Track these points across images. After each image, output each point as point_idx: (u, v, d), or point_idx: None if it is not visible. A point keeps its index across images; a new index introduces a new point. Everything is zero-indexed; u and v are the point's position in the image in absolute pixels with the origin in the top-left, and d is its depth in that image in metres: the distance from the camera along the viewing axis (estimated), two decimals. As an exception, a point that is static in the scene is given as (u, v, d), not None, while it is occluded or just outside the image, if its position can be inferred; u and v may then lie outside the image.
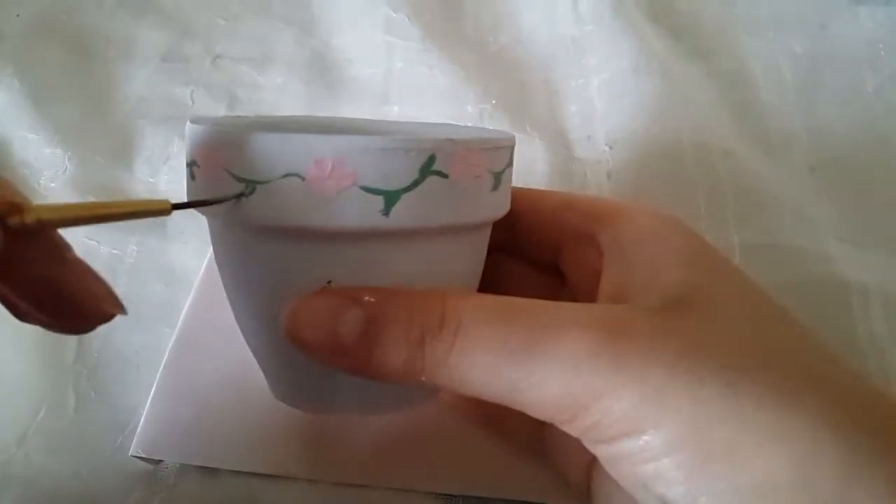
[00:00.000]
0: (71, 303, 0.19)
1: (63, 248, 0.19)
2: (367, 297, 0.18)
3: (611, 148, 0.37)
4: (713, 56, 0.41)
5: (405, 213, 0.18)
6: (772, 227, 0.34)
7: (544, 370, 0.17)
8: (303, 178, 0.17)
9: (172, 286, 0.33)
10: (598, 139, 0.38)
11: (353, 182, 0.18)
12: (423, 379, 0.18)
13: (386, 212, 0.18)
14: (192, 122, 0.20)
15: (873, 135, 0.38)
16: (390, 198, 0.18)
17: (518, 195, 0.23)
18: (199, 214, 0.21)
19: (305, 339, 0.19)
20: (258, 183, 0.18)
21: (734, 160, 0.36)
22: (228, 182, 0.18)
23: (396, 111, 0.40)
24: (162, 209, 0.17)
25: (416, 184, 0.18)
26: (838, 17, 0.42)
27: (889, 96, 0.39)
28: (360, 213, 0.18)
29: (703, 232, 0.33)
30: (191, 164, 0.20)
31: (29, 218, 0.16)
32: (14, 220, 0.16)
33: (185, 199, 0.21)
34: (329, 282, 0.19)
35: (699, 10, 0.43)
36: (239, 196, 0.18)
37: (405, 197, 0.18)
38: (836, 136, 0.38)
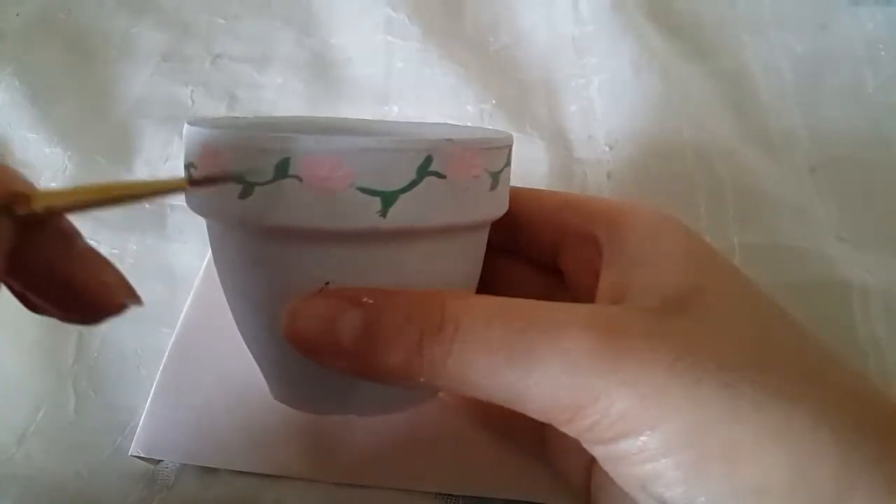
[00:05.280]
0: (82, 294, 0.17)
1: (72, 235, 0.18)
2: (365, 299, 0.18)
3: (611, 148, 0.37)
4: (713, 56, 0.41)
5: (403, 214, 0.18)
6: (772, 227, 0.34)
7: (542, 371, 0.17)
8: (300, 180, 0.17)
9: (172, 286, 0.33)
10: (598, 139, 0.38)
11: (350, 183, 0.17)
12: (422, 380, 0.18)
13: (383, 213, 0.18)
14: (190, 123, 0.20)
15: (873, 135, 0.38)
16: (387, 198, 0.18)
17: (517, 195, 0.23)
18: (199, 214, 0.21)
19: (304, 340, 0.19)
20: (256, 184, 0.18)
21: (734, 160, 0.36)
22: (227, 184, 0.18)
23: (396, 111, 0.40)
24: (179, 186, 0.17)
25: (413, 184, 0.18)
26: (838, 17, 0.42)
27: (889, 96, 0.39)
28: (358, 213, 0.18)
29: (703, 232, 0.34)
30: (188, 166, 0.20)
31: (37, 206, 0.15)
32: (21, 210, 0.15)
33: (187, 194, 0.21)
34: (327, 283, 0.19)
35: (699, 10, 0.43)
36: (247, 182, 0.18)
37: (402, 198, 0.18)
38: (836, 136, 0.38)
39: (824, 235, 0.34)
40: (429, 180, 0.18)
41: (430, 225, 0.19)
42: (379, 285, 0.19)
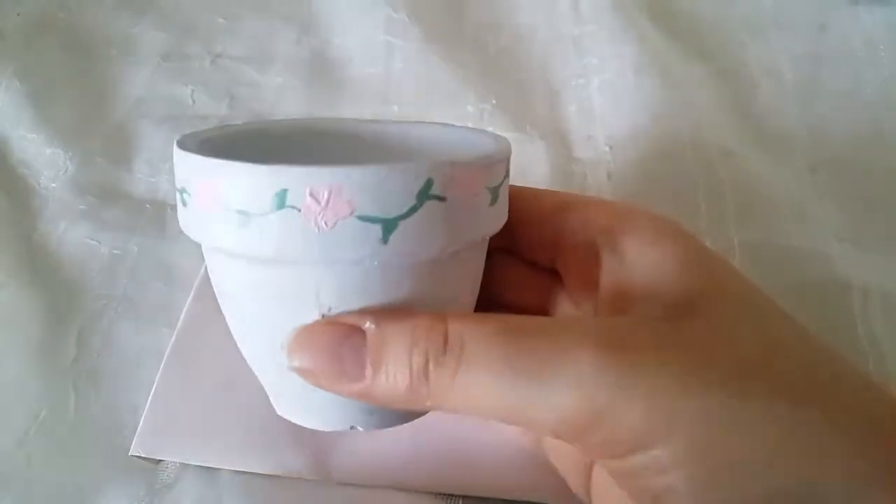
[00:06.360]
0: None
1: None
2: (368, 324, 0.18)
3: (611, 148, 0.37)
4: (713, 56, 0.41)
5: (403, 239, 0.18)
6: (772, 227, 0.34)
7: (551, 390, 0.17)
8: (299, 210, 0.17)
9: (172, 286, 0.33)
10: (598, 139, 0.38)
11: (350, 212, 0.17)
12: (428, 404, 0.18)
13: (385, 239, 0.18)
14: (180, 145, 0.19)
15: (873, 135, 0.38)
16: (388, 225, 0.17)
17: (516, 194, 0.23)
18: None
19: (309, 368, 0.18)
20: (254, 215, 0.17)
21: (734, 160, 0.36)
22: (223, 213, 0.18)
23: (396, 111, 0.40)
24: None
25: (413, 210, 0.18)
26: (838, 17, 0.42)
27: (889, 96, 0.39)
28: (359, 242, 0.17)
29: (703, 232, 0.34)
30: (181, 191, 0.19)
31: None
32: None
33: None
34: (329, 308, 0.19)
35: (699, 10, 0.43)
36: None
37: (403, 223, 0.18)
38: (836, 136, 0.38)
39: (824, 235, 0.34)
40: (429, 204, 0.18)
41: (432, 248, 0.18)
42: (382, 309, 0.19)
